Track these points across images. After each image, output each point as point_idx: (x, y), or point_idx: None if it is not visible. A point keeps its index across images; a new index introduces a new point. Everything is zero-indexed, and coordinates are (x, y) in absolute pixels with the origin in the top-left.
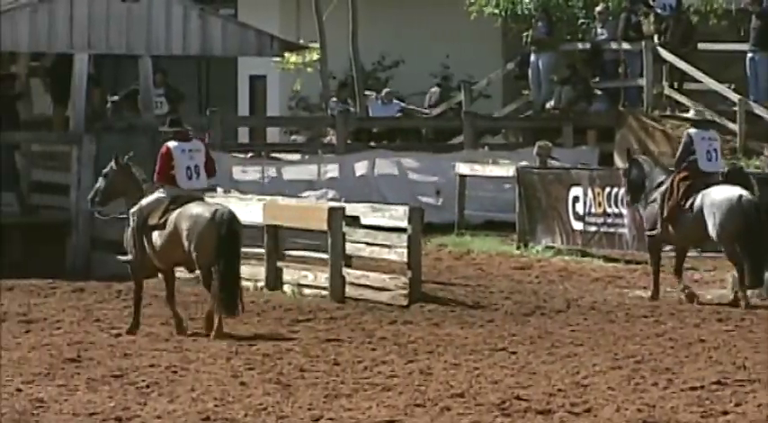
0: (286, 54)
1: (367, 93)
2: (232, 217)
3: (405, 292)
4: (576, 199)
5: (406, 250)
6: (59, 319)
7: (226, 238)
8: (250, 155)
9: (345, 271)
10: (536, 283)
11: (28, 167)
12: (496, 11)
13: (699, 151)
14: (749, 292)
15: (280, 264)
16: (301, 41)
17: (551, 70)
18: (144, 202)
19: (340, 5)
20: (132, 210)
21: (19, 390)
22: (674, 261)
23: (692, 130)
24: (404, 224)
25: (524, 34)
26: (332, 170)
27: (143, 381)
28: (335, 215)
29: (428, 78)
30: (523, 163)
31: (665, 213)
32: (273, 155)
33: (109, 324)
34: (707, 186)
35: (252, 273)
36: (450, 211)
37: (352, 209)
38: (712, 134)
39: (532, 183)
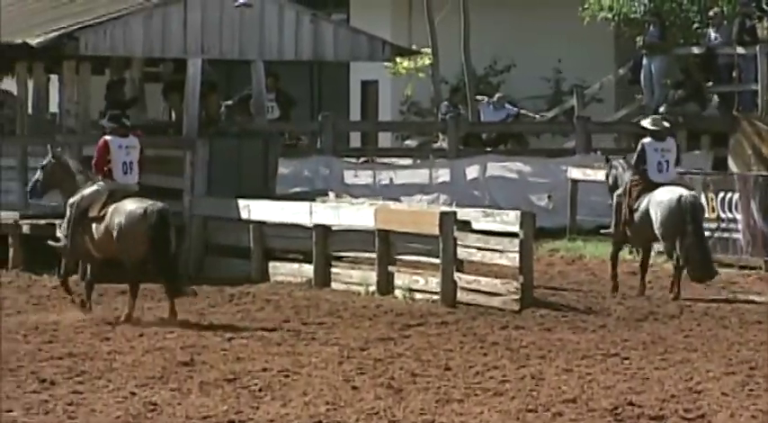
0: (398, 59)
1: (478, 97)
2: (163, 212)
3: (516, 296)
4: None
5: (517, 255)
6: (172, 323)
7: (157, 232)
8: (362, 160)
9: (457, 276)
10: (649, 288)
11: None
12: (609, 15)
13: (650, 162)
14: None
15: (391, 268)
16: (413, 46)
17: (664, 74)
18: (84, 192)
19: (452, 10)
20: (71, 200)
21: (132, 393)
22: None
23: (645, 140)
24: (515, 229)
25: (637, 38)
26: (443, 175)
27: (256, 384)
28: (447, 220)
29: (540, 82)
30: None
31: (621, 215)
32: (385, 160)
33: (222, 328)
34: (654, 189)
35: (363, 277)
36: (561, 215)
37: (463, 213)
38: (666, 145)
39: None
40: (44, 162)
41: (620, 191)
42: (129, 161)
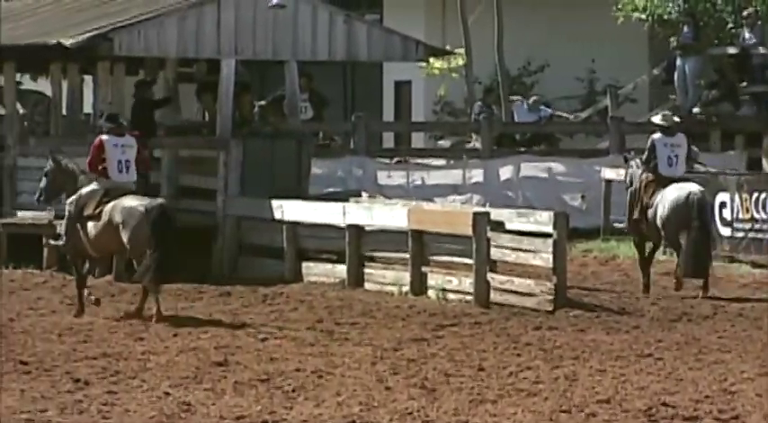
0: (431, 59)
1: (512, 98)
2: (164, 208)
3: (550, 297)
4: (723, 204)
5: (551, 255)
6: (207, 322)
7: (159, 228)
8: (395, 160)
9: (490, 276)
10: (682, 288)
11: (176, 172)
12: (643, 16)
13: (660, 157)
14: None
15: (424, 269)
16: (446, 46)
17: (698, 75)
18: (81, 192)
19: (485, 10)
20: (69, 200)
21: (166, 393)
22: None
23: (655, 136)
24: (549, 229)
25: (671, 39)
26: (476, 175)
27: (289, 385)
28: (480, 220)
29: (574, 82)
30: None
31: (634, 211)
32: (418, 160)
33: (255, 328)
34: (666, 186)
35: (397, 277)
36: (595, 216)
37: (497, 214)
38: (676, 140)
39: None
40: (46, 168)
41: (632, 187)
42: (126, 160)
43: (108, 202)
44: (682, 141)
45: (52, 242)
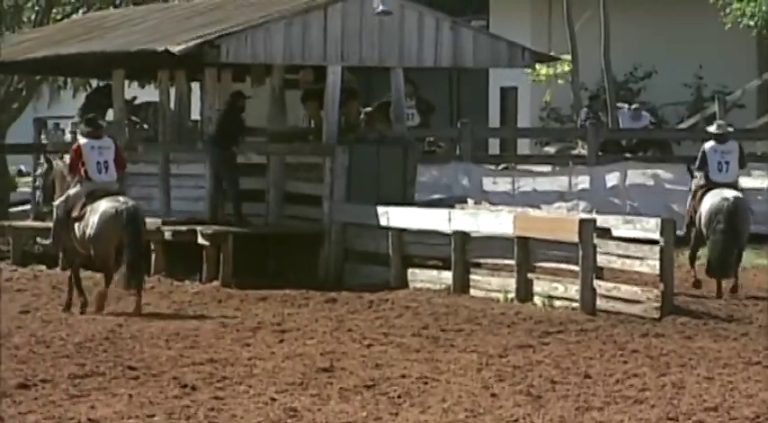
0: (537, 65)
1: (619, 105)
2: (134, 211)
3: (657, 304)
4: None
5: (658, 262)
6: (312, 328)
7: (128, 229)
8: (501, 166)
9: (596, 283)
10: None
11: (282, 178)
12: (751, 22)
13: (710, 163)
14: None
15: (530, 275)
16: (552, 52)
17: None
18: (69, 193)
19: (592, 17)
20: (56, 202)
21: (273, 399)
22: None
23: (707, 144)
24: (656, 236)
25: None
26: (583, 181)
27: (395, 391)
28: (586, 227)
29: (681, 89)
30: None
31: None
32: (524, 166)
33: (361, 334)
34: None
35: (502, 284)
36: None
37: (603, 220)
38: (727, 147)
39: None
40: (41, 171)
41: (690, 196)
42: (104, 161)
43: (90, 203)
44: (733, 148)
45: (41, 241)
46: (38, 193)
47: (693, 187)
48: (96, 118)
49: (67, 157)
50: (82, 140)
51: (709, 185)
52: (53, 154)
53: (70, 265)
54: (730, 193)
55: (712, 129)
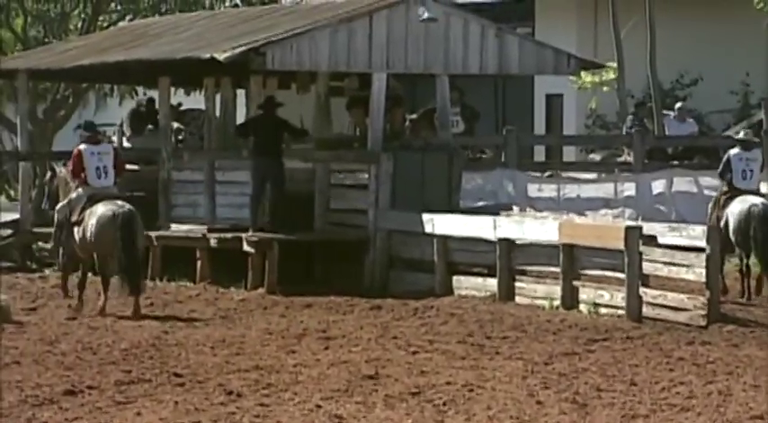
0: (583, 73)
1: (665, 112)
2: (130, 216)
3: (703, 312)
4: None
5: (704, 270)
6: (357, 336)
7: (124, 233)
8: (546, 173)
9: (642, 290)
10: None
11: (328, 186)
12: None
13: (735, 170)
14: None
15: (576, 283)
16: (598, 60)
17: None
18: (70, 197)
19: (638, 23)
20: (57, 207)
21: (318, 406)
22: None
23: (732, 151)
24: (702, 244)
25: None
26: (628, 189)
27: (440, 398)
28: (632, 234)
29: (727, 96)
30: None
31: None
32: (569, 173)
33: (406, 341)
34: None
35: (548, 291)
36: None
37: (649, 228)
38: (752, 154)
39: None
40: (46, 178)
41: (712, 202)
42: (103, 166)
43: (89, 207)
44: (757, 156)
45: (43, 245)
46: (44, 199)
47: (718, 193)
48: (93, 123)
49: (70, 164)
50: (82, 146)
51: (732, 193)
52: (56, 161)
53: (64, 269)
54: (757, 200)
55: (740, 135)
